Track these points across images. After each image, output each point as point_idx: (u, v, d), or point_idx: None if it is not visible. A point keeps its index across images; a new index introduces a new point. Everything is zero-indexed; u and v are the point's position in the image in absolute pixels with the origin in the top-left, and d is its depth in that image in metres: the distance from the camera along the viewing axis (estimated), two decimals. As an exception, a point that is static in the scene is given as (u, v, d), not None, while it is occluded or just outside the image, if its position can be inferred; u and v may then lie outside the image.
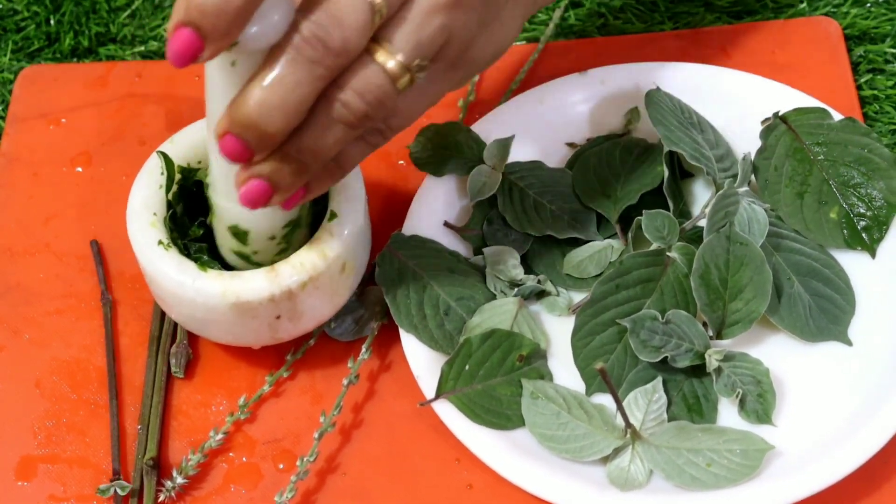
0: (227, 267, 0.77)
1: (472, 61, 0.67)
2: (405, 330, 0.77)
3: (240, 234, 0.73)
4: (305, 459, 0.73)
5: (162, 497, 0.75)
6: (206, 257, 0.75)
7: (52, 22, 0.98)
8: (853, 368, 0.75)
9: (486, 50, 0.67)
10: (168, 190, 0.76)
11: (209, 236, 0.77)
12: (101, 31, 0.97)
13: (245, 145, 0.62)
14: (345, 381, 0.77)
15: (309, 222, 0.76)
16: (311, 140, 0.62)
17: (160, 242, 0.73)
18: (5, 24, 0.98)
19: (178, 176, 0.76)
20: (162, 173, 0.76)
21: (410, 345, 0.77)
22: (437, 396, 0.74)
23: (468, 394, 0.75)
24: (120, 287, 0.83)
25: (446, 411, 0.74)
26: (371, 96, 0.62)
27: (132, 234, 0.74)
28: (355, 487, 0.75)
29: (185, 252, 0.75)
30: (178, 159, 0.76)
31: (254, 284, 0.72)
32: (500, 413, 0.74)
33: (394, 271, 0.79)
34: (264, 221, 0.72)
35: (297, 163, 0.63)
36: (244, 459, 0.76)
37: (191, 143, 0.77)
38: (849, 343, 0.76)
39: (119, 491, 0.75)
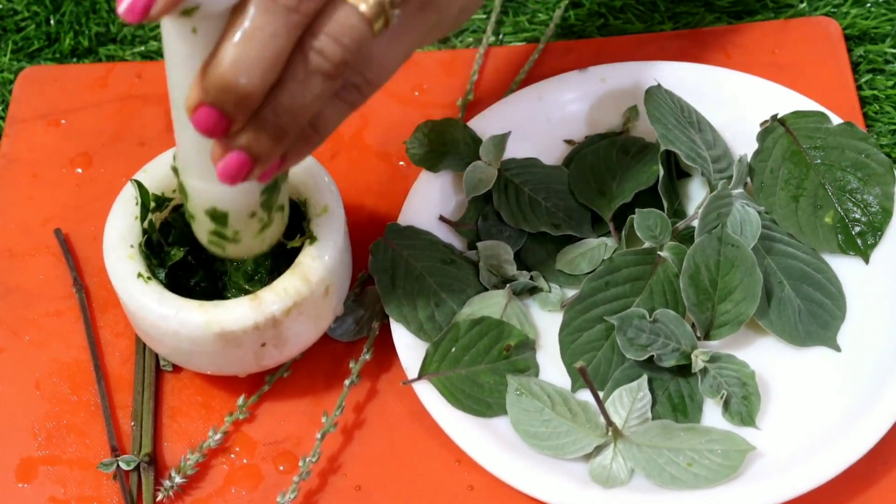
0: (209, 275, 0.77)
1: (442, 4, 0.64)
2: (394, 319, 0.78)
3: (218, 217, 0.70)
4: (308, 460, 0.74)
5: (160, 496, 0.76)
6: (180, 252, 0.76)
7: (52, 22, 0.99)
8: (840, 374, 0.77)
9: None
10: (143, 219, 0.76)
11: (188, 263, 0.77)
12: (101, 31, 0.98)
13: (221, 114, 0.58)
14: (346, 382, 0.78)
15: (286, 190, 0.73)
16: (289, 98, 0.59)
17: (139, 275, 0.74)
18: (5, 24, 0.99)
19: (152, 205, 0.76)
20: (137, 203, 0.76)
21: (399, 334, 0.78)
22: (420, 377, 0.75)
23: (451, 377, 0.76)
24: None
25: (427, 393, 0.76)
26: (347, 39, 0.59)
27: (110, 268, 0.74)
28: (356, 488, 0.76)
29: (164, 279, 0.76)
30: (153, 188, 0.76)
31: (237, 314, 0.72)
32: (480, 400, 0.76)
33: (387, 261, 0.80)
34: (242, 198, 0.70)
35: (276, 128, 0.60)
36: (245, 461, 0.77)
37: (165, 171, 0.76)
38: (837, 349, 0.78)
39: (123, 465, 0.76)
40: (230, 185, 0.62)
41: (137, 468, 0.76)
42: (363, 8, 0.59)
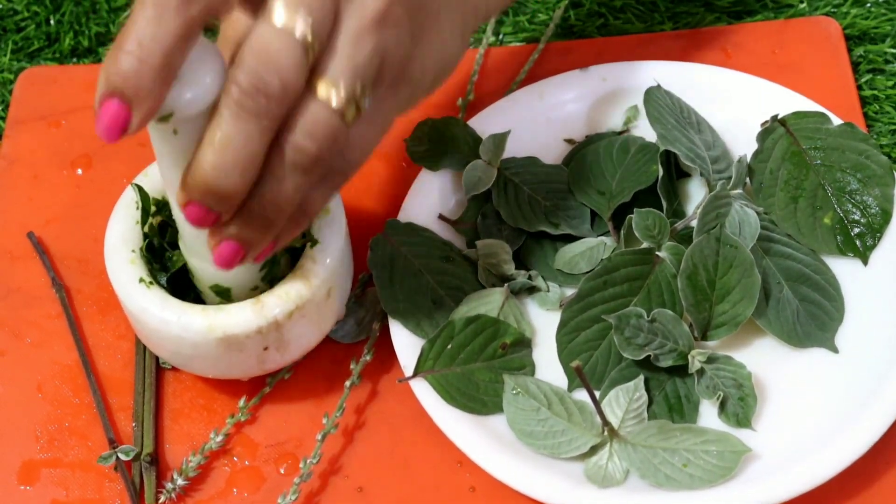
0: None
1: (415, 77, 0.67)
2: (392, 316, 0.79)
3: (222, 292, 0.75)
4: (308, 461, 0.75)
5: (163, 498, 0.76)
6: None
7: (52, 22, 0.99)
8: (838, 375, 0.77)
9: (426, 63, 0.68)
10: (144, 223, 0.76)
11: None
12: (101, 31, 0.99)
13: (208, 210, 0.62)
14: (347, 383, 0.78)
15: (286, 253, 0.77)
16: (271, 193, 0.62)
17: (141, 280, 0.74)
18: (5, 24, 1.00)
19: (153, 209, 0.77)
20: (137, 207, 0.77)
21: (397, 332, 0.79)
22: (415, 374, 0.76)
23: (446, 375, 0.76)
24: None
25: (424, 391, 0.76)
26: (321, 135, 0.61)
27: (111, 272, 0.75)
28: (357, 490, 0.76)
29: (166, 283, 0.76)
30: (153, 192, 0.77)
31: (240, 318, 0.72)
32: (476, 398, 0.76)
33: (386, 257, 0.81)
34: (243, 275, 0.74)
35: (263, 219, 0.63)
36: (246, 462, 0.78)
37: None
38: (835, 350, 0.78)
39: (122, 456, 0.76)
40: (226, 269, 0.65)
41: (138, 459, 0.77)
42: (335, 103, 0.61)
